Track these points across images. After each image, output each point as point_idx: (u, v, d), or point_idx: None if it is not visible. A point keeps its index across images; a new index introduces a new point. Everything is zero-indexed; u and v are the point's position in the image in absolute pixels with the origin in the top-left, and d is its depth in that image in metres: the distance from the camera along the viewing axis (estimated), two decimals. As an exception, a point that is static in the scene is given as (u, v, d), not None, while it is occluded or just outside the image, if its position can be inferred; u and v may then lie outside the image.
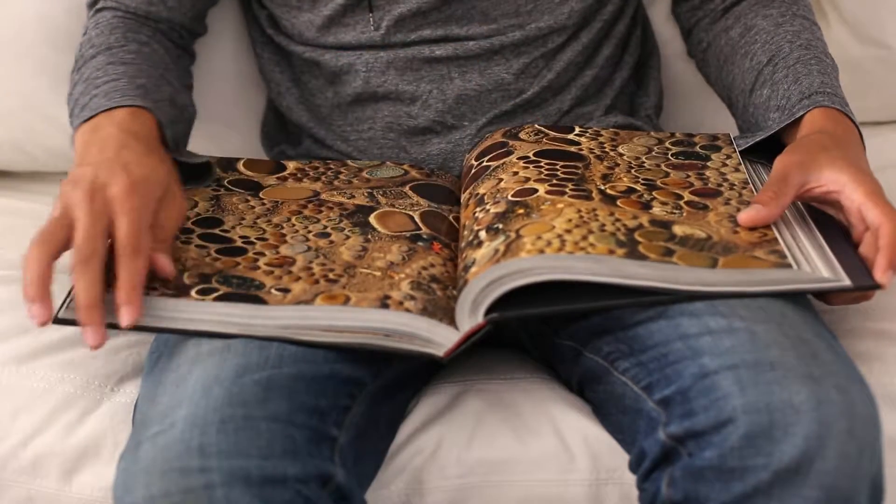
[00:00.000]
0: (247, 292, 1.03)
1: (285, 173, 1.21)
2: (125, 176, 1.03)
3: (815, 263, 1.03)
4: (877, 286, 1.02)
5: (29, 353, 1.17)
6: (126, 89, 1.15)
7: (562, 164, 1.14)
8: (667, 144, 1.19)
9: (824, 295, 1.09)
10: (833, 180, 1.07)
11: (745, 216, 1.06)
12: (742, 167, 1.15)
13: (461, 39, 1.25)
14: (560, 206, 1.07)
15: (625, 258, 1.01)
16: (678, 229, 1.05)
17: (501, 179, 1.13)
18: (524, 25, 1.26)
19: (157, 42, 1.26)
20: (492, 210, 1.09)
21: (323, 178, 1.20)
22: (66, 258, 1.28)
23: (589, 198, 1.08)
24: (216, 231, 1.10)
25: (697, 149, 1.18)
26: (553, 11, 1.26)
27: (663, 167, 1.15)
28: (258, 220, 1.12)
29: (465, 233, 1.10)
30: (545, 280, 0.99)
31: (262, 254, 1.07)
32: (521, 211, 1.07)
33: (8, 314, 1.21)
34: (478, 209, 1.11)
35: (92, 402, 1.14)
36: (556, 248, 1.01)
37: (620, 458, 1.08)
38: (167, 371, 1.03)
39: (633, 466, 1.04)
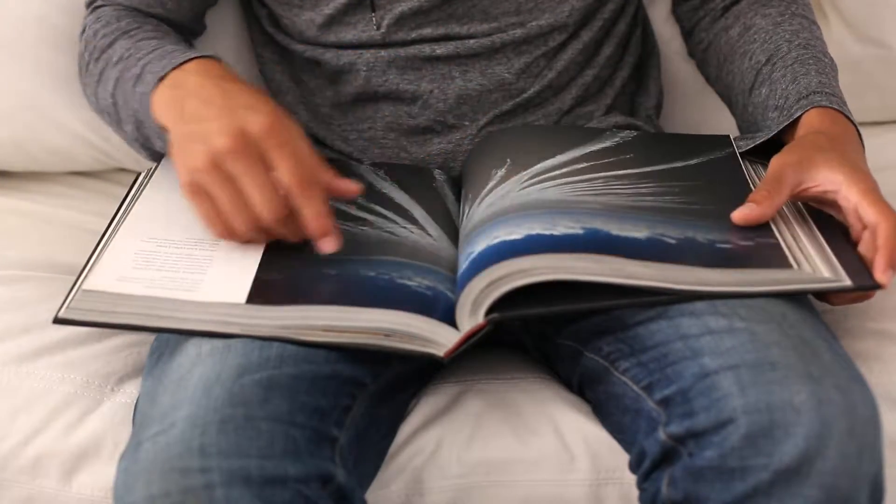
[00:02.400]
0: None
1: None
2: (258, 114, 1.01)
3: (816, 263, 1.03)
4: (877, 286, 1.02)
5: (29, 353, 1.17)
6: (180, 48, 1.14)
7: None
8: None
9: (825, 295, 1.09)
10: (829, 180, 1.07)
11: (738, 214, 1.06)
12: None
13: (462, 38, 1.25)
14: None
15: (626, 259, 1.01)
16: None
17: None
18: (525, 23, 1.26)
19: (166, 27, 1.26)
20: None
21: None
22: (67, 258, 1.28)
23: None
24: None
25: None
26: (554, 9, 1.26)
27: None
28: None
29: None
30: (545, 280, 0.99)
31: None
32: None
33: (8, 314, 1.21)
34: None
35: (92, 402, 1.14)
36: None
37: (620, 458, 1.08)
38: (167, 371, 1.03)
39: (634, 466, 1.04)
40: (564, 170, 1.16)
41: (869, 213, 1.04)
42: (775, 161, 1.08)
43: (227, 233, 1.04)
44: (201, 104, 1.05)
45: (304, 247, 1.05)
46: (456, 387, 1.15)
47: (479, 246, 1.04)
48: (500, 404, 1.13)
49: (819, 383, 0.95)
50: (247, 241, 1.05)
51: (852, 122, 1.17)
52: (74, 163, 1.45)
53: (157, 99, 1.11)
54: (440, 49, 1.25)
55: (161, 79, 1.11)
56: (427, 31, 1.25)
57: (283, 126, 1.02)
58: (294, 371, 0.99)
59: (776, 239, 1.06)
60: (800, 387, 0.95)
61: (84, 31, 1.27)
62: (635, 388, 1.03)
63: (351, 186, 1.04)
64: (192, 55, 1.12)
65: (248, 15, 1.38)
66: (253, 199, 1.01)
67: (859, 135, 1.16)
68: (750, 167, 1.18)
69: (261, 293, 1.03)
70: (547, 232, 1.04)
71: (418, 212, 1.16)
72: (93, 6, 1.29)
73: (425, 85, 1.26)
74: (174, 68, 1.11)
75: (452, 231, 1.15)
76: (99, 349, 1.18)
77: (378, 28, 1.25)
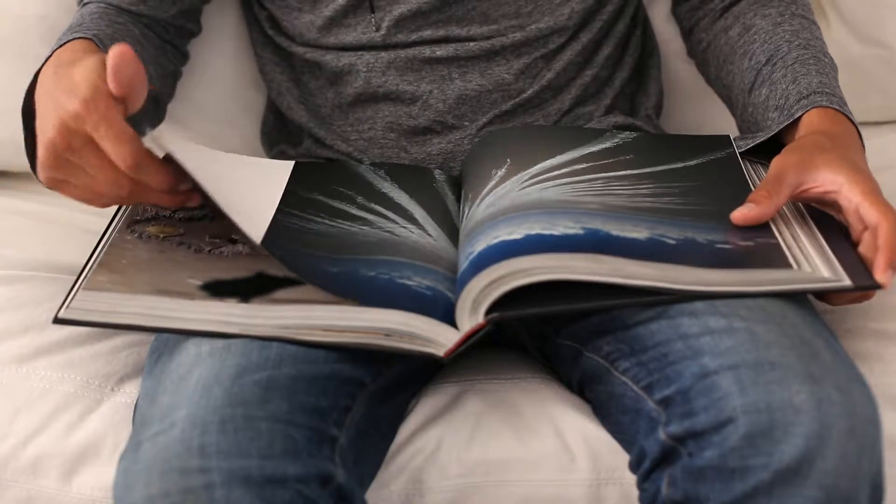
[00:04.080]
0: None
1: None
2: (72, 99, 1.00)
3: (816, 263, 1.03)
4: (877, 286, 1.02)
5: (29, 353, 1.17)
6: (69, 31, 1.14)
7: None
8: None
9: (825, 295, 1.09)
10: (830, 180, 1.07)
11: (738, 214, 1.06)
12: None
13: (462, 40, 1.25)
14: None
15: (626, 259, 1.01)
16: None
17: None
18: (524, 26, 1.26)
19: (134, 26, 1.25)
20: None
21: None
22: (67, 258, 1.28)
23: None
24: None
25: None
26: (553, 12, 1.26)
27: None
28: None
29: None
30: (545, 280, 0.99)
31: None
32: None
33: (8, 314, 1.21)
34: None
35: (92, 402, 1.14)
36: None
37: (620, 458, 1.08)
38: (167, 371, 1.03)
39: (634, 466, 1.04)
40: (564, 170, 1.16)
41: (870, 214, 1.04)
42: (776, 161, 1.08)
43: (104, 205, 1.05)
44: (44, 97, 1.05)
45: (303, 246, 1.05)
46: (456, 387, 1.15)
47: (479, 246, 1.04)
48: (500, 404, 1.13)
49: (819, 383, 0.95)
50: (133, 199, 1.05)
51: (853, 122, 1.17)
52: (74, 163, 1.45)
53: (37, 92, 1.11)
54: (440, 51, 1.25)
55: (37, 72, 1.11)
56: (427, 33, 1.25)
57: (95, 106, 1.00)
58: (293, 371, 0.99)
59: (776, 239, 1.05)
60: (800, 387, 0.95)
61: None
62: (635, 388, 1.03)
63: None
64: (63, 41, 1.12)
65: (248, 17, 1.39)
66: (98, 180, 1.02)
67: (860, 135, 1.16)
68: (750, 167, 1.17)
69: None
70: (547, 232, 1.04)
71: (418, 212, 1.16)
72: (82, 3, 1.29)
73: (425, 86, 1.26)
74: (45, 61, 1.11)
75: (452, 231, 1.15)
76: (99, 349, 1.18)
77: (377, 30, 1.25)
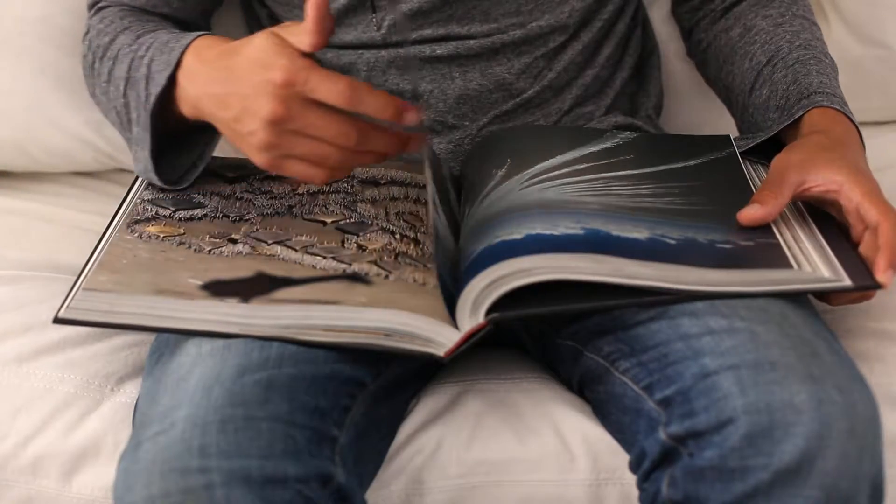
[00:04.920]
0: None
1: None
2: (272, 69, 1.01)
3: (816, 263, 1.03)
4: (878, 286, 1.02)
5: (29, 353, 1.17)
6: (172, 37, 1.14)
7: None
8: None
9: (825, 295, 1.09)
10: (831, 180, 1.07)
11: (743, 214, 1.06)
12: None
13: (462, 38, 1.25)
14: None
15: (626, 259, 1.01)
16: None
17: None
18: (525, 24, 1.26)
19: (170, 24, 1.26)
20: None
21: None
22: (67, 258, 1.28)
23: None
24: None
25: None
26: (553, 10, 1.26)
27: None
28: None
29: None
30: (546, 280, 0.99)
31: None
32: None
33: (8, 314, 1.21)
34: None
35: (92, 402, 1.14)
36: None
37: (620, 458, 1.08)
38: (167, 371, 1.03)
39: (634, 466, 1.04)
40: (565, 170, 1.16)
41: (871, 214, 1.04)
42: (777, 161, 1.08)
43: (329, 172, 1.04)
44: (221, 87, 1.05)
45: None
46: (456, 387, 1.15)
47: (480, 245, 1.04)
48: (500, 404, 1.13)
49: (819, 383, 0.95)
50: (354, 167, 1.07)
51: (853, 122, 1.17)
52: (74, 163, 1.45)
53: (179, 95, 1.11)
54: (440, 49, 1.25)
55: (171, 78, 1.11)
56: (427, 32, 1.25)
57: (294, 65, 1.01)
58: (294, 371, 0.99)
59: (776, 239, 1.06)
60: (800, 387, 0.95)
61: (87, 32, 1.27)
62: (635, 388, 1.03)
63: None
64: (186, 42, 1.11)
65: (248, 15, 1.38)
66: (327, 136, 1.01)
67: (860, 135, 1.16)
68: (750, 167, 1.18)
69: None
70: (547, 232, 1.04)
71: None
72: (96, 7, 1.29)
73: (425, 85, 1.26)
74: (178, 65, 1.11)
75: (455, 228, 1.15)
76: (99, 349, 1.18)
77: (378, 29, 1.25)
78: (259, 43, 1.03)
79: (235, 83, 1.04)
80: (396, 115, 1.01)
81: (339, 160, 1.03)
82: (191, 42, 1.11)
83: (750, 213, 1.06)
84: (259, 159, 1.04)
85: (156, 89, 1.11)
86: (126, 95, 1.17)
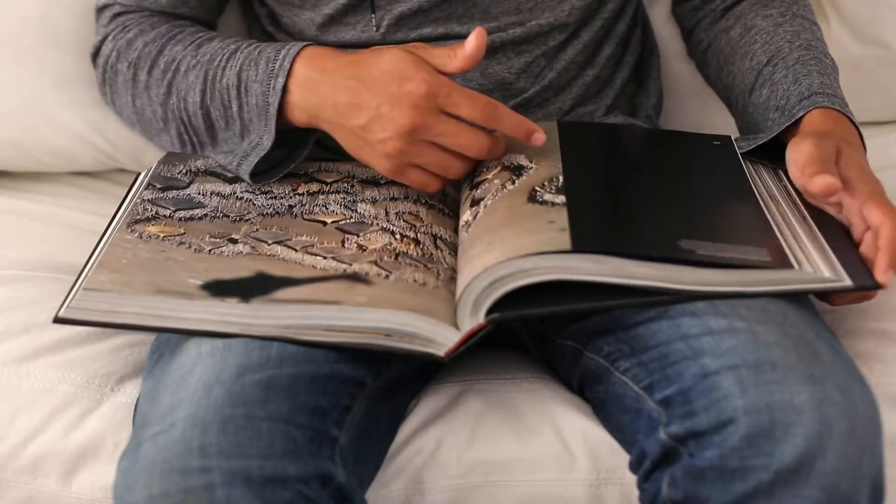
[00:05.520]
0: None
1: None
2: (412, 80, 1.07)
3: (817, 263, 1.03)
4: (878, 286, 1.02)
5: (29, 353, 1.17)
6: (266, 46, 1.16)
7: None
8: None
9: (826, 295, 1.09)
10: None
11: (821, 182, 1.04)
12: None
13: (462, 37, 1.24)
14: None
15: (626, 259, 1.01)
16: None
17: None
18: (525, 23, 1.26)
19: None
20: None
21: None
22: (67, 258, 1.28)
23: None
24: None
25: None
26: (553, 9, 1.26)
27: None
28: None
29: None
30: (546, 280, 0.99)
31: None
32: None
33: (8, 314, 1.21)
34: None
35: (92, 402, 1.14)
36: None
37: (620, 458, 1.08)
38: (168, 371, 1.03)
39: (634, 466, 1.04)
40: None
41: (873, 214, 1.04)
42: (799, 147, 1.08)
43: (445, 183, 1.12)
44: (351, 95, 1.09)
45: None
46: (456, 387, 1.15)
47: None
48: (500, 404, 1.13)
49: (820, 383, 0.95)
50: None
51: (854, 122, 1.17)
52: (74, 163, 1.45)
53: (295, 105, 1.13)
54: (440, 48, 1.25)
55: (284, 87, 1.13)
56: (427, 31, 1.25)
57: (437, 80, 1.07)
58: (294, 371, 0.99)
59: (777, 239, 1.05)
60: (800, 387, 0.95)
61: (104, 39, 1.26)
62: (636, 388, 1.03)
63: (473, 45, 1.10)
64: (295, 50, 1.14)
65: (248, 14, 1.38)
66: (461, 145, 1.08)
67: (860, 135, 1.16)
68: (751, 167, 1.17)
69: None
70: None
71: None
72: (112, 14, 1.28)
73: (426, 85, 1.26)
74: (289, 73, 1.13)
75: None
76: (99, 349, 1.18)
77: (377, 29, 1.25)
78: (394, 56, 1.08)
79: (368, 92, 1.08)
80: (527, 136, 1.09)
81: (462, 169, 1.11)
82: (300, 51, 1.13)
83: (828, 181, 1.04)
84: (384, 164, 1.09)
85: (275, 97, 1.13)
86: (204, 105, 1.18)
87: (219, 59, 1.18)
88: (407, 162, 1.09)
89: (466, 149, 1.09)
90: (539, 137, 1.09)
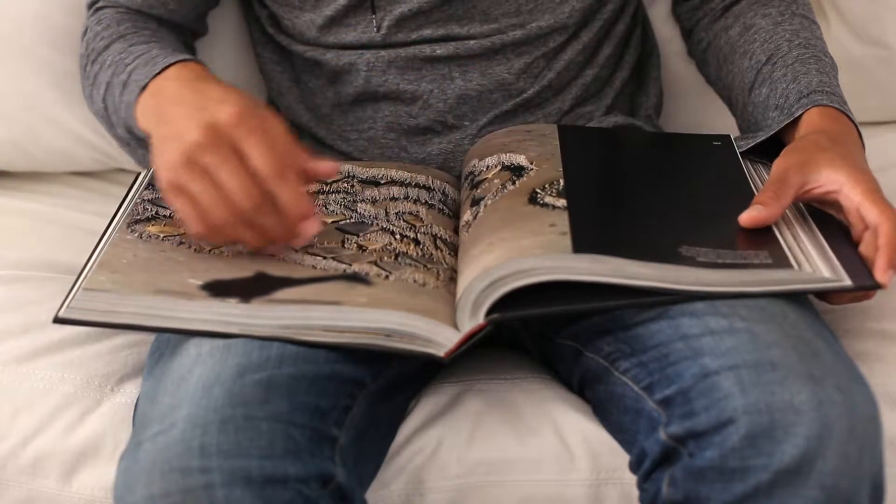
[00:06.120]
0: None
1: None
2: (226, 106, 1.02)
3: (816, 263, 1.03)
4: (877, 286, 1.02)
5: (29, 353, 1.17)
6: (164, 53, 1.15)
7: None
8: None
9: (825, 295, 1.09)
10: (831, 180, 1.07)
11: (746, 217, 1.06)
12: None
13: (462, 38, 1.25)
14: None
15: (626, 259, 1.01)
16: None
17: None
18: (525, 24, 1.26)
19: (165, 31, 1.26)
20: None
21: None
22: (67, 258, 1.28)
23: None
24: None
25: None
26: (554, 10, 1.26)
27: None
28: None
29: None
30: (546, 280, 0.99)
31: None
32: None
33: (8, 314, 1.21)
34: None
35: (92, 402, 1.14)
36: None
37: (620, 458, 1.08)
38: (168, 371, 1.03)
39: (634, 466, 1.04)
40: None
41: (871, 214, 1.04)
42: (779, 163, 1.08)
43: (208, 228, 1.02)
44: (175, 106, 1.06)
45: None
46: (456, 387, 1.15)
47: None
48: (500, 404, 1.13)
49: (819, 384, 0.95)
50: (229, 240, 1.05)
51: (853, 121, 1.17)
52: (74, 163, 1.45)
53: (140, 108, 1.12)
54: (440, 49, 1.25)
55: (143, 88, 1.12)
56: (427, 32, 1.25)
57: (253, 114, 1.02)
58: (294, 371, 0.99)
59: (777, 239, 1.05)
60: (800, 387, 0.95)
61: (85, 32, 1.27)
62: (636, 388, 1.03)
63: (327, 167, 1.04)
64: (173, 60, 1.13)
65: (248, 15, 1.38)
66: (228, 186, 1.00)
67: (860, 134, 1.16)
68: (751, 167, 1.17)
69: None
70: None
71: None
72: (94, 7, 1.29)
73: (425, 85, 1.26)
74: (155, 76, 1.12)
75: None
76: (99, 349, 1.18)
77: (378, 30, 1.25)
78: (239, 92, 1.05)
79: (194, 95, 1.05)
80: (299, 216, 1.01)
81: (222, 218, 1.01)
82: (177, 61, 1.12)
83: (752, 216, 1.06)
84: (161, 176, 1.03)
85: (128, 97, 1.13)
86: (105, 100, 1.19)
87: (132, 56, 1.17)
88: (179, 181, 1.01)
89: (233, 192, 0.99)
90: (306, 231, 1.02)
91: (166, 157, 1.03)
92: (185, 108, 1.04)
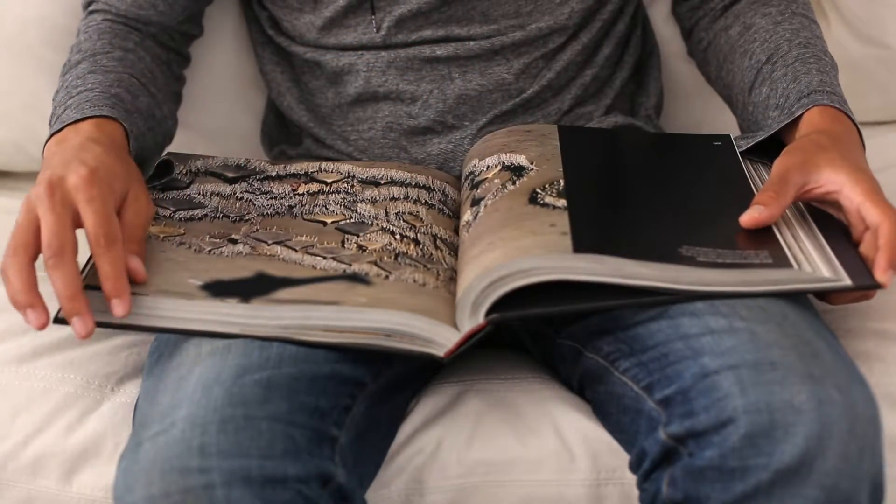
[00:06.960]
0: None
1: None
2: (82, 167, 1.03)
3: (816, 263, 1.03)
4: (877, 285, 1.02)
5: (29, 353, 1.17)
6: (97, 100, 1.14)
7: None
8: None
9: (825, 295, 1.09)
10: (832, 180, 1.07)
11: (746, 217, 1.06)
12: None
13: (462, 39, 1.25)
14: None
15: (626, 259, 1.01)
16: None
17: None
18: (524, 26, 1.26)
19: (145, 49, 1.25)
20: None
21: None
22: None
23: None
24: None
25: None
26: (553, 12, 1.26)
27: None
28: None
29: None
30: (546, 280, 0.99)
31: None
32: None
33: (8, 314, 1.20)
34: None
35: (92, 402, 1.14)
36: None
37: (620, 458, 1.08)
38: (167, 371, 1.03)
39: (634, 466, 1.04)
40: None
41: (871, 214, 1.04)
42: (779, 163, 1.08)
43: (15, 250, 1.01)
44: (58, 160, 1.06)
45: None
46: (456, 387, 1.15)
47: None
48: (500, 404, 1.13)
49: (819, 383, 0.95)
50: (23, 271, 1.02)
51: (853, 121, 1.17)
52: (74, 163, 1.45)
53: (45, 148, 1.12)
54: (440, 50, 1.25)
55: (59, 130, 1.12)
56: (427, 33, 1.25)
57: (98, 183, 1.02)
58: (294, 371, 0.99)
59: (777, 239, 1.05)
60: (800, 387, 0.95)
61: (78, 34, 1.27)
62: (635, 387, 1.03)
63: (138, 271, 1.02)
64: (95, 114, 1.12)
65: (248, 16, 1.39)
66: (45, 235, 0.99)
67: (860, 134, 1.16)
68: (751, 166, 1.17)
69: None
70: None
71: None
72: (87, 10, 1.28)
73: (425, 85, 1.26)
74: (71, 123, 1.12)
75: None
76: (99, 349, 1.18)
77: (378, 31, 1.25)
78: (114, 162, 1.06)
79: (73, 152, 1.05)
80: (109, 292, 0.99)
81: (27, 248, 1.00)
82: (98, 116, 1.12)
83: (753, 216, 1.06)
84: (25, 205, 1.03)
85: (55, 125, 1.14)
86: (54, 100, 1.19)
87: (78, 89, 1.17)
88: (28, 203, 1.02)
89: (48, 241, 0.99)
90: (115, 308, 0.99)
91: (26, 199, 1.02)
92: (61, 158, 1.05)
